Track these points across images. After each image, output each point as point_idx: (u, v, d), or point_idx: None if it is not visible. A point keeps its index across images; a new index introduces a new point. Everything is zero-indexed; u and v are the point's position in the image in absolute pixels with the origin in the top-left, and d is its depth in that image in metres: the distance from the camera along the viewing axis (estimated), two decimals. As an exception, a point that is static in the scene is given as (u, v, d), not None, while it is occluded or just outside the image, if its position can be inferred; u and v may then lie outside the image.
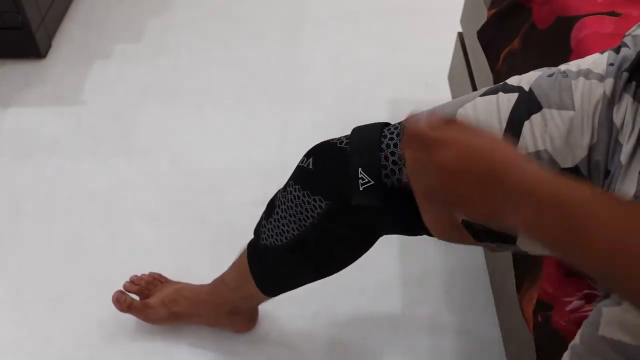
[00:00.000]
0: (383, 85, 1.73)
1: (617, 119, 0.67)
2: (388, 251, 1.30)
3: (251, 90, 1.72)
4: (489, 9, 1.18)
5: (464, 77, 1.41)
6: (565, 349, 0.64)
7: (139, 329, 1.15)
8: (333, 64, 1.81)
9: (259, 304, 1.11)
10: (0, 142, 1.54)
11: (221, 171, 1.48)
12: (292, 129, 1.58)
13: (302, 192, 0.81)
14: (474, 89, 1.34)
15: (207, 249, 1.30)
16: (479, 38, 1.17)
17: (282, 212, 0.85)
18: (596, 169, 0.68)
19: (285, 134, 1.57)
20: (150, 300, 1.12)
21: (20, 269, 1.27)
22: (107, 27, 1.92)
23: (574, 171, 0.68)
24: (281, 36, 1.91)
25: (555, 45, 0.93)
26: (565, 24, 0.92)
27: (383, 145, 0.76)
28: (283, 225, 0.85)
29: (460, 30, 1.49)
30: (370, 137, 0.78)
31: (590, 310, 0.69)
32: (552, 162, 0.69)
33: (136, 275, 1.16)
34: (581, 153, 0.68)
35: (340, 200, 0.78)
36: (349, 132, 0.82)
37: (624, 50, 0.70)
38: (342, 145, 0.80)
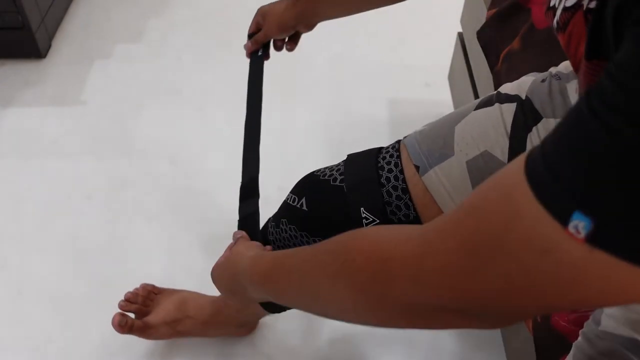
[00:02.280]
0: (383, 85, 1.73)
1: None
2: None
3: (251, 90, 1.72)
4: (489, 9, 1.18)
5: (464, 77, 1.41)
6: (566, 349, 0.63)
7: (139, 329, 1.16)
8: (333, 63, 1.81)
9: (265, 315, 1.12)
10: (0, 142, 1.54)
11: (221, 171, 1.48)
12: (291, 129, 1.58)
13: (299, 232, 0.77)
14: (474, 89, 1.34)
15: (207, 249, 1.30)
16: (478, 38, 1.17)
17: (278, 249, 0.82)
18: None
19: (285, 133, 1.57)
20: (150, 319, 1.07)
21: (20, 269, 1.27)
22: (107, 27, 1.92)
23: None
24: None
25: (555, 45, 0.92)
26: (565, 24, 0.92)
27: (383, 180, 0.71)
28: None
29: (460, 30, 1.48)
30: (365, 170, 0.72)
31: (592, 310, 0.69)
32: None
33: (130, 292, 1.10)
34: None
35: None
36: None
37: None
38: (337, 183, 0.74)
